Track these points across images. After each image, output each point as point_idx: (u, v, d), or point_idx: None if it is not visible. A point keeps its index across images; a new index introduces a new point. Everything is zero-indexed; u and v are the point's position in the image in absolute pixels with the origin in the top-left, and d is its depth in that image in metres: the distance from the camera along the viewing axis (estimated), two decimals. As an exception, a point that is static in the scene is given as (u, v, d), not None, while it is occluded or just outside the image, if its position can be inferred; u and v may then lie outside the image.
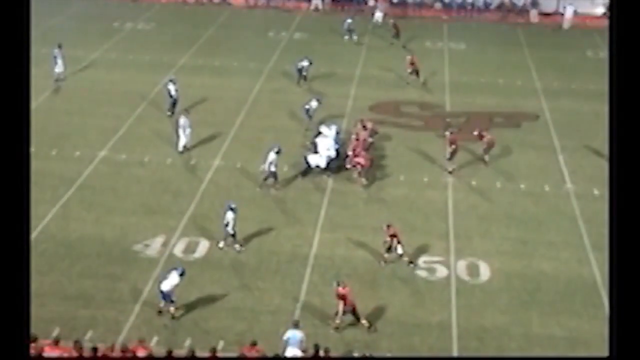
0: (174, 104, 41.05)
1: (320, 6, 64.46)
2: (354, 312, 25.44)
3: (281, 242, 30.25)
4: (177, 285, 25.49)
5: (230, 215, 29.25)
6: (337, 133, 36.47)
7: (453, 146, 35.64)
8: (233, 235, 29.47)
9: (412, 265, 28.58)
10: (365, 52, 53.01)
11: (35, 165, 34.37)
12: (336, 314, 25.32)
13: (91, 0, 63.83)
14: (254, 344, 22.94)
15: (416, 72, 47.13)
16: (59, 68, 44.95)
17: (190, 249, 29.64)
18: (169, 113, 40.91)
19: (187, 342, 24.10)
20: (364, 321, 25.53)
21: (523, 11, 63.97)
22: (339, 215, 32.33)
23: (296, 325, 23.86)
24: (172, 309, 25.60)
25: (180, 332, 24.82)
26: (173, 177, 34.84)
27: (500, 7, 64.42)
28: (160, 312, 25.51)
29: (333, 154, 35.26)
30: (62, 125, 39.59)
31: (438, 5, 65.42)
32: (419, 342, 24.99)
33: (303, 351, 23.27)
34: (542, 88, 47.46)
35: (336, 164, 35.51)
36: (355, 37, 55.41)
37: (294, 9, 64.08)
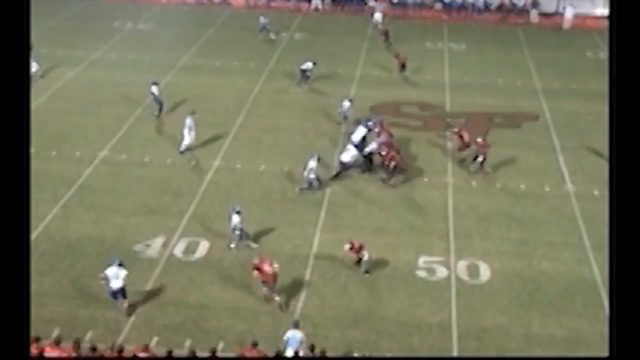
0: (160, 106, 41.17)
1: (320, 6, 64.46)
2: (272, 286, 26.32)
3: (281, 242, 30.24)
4: (127, 277, 25.61)
5: (236, 219, 29.26)
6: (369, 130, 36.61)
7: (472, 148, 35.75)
8: (241, 237, 29.54)
9: (367, 275, 28.22)
10: (365, 53, 52.97)
11: (35, 165, 34.58)
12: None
13: (91, 1, 63.90)
14: (254, 344, 22.94)
15: (403, 66, 48.27)
16: (33, 68, 44.75)
17: (190, 249, 29.62)
18: (156, 114, 41.13)
19: (187, 343, 24.11)
20: (277, 298, 26.30)
21: (523, 12, 63.97)
22: (339, 216, 32.32)
23: (296, 326, 23.85)
24: (125, 304, 25.69)
25: (181, 333, 24.81)
26: (173, 178, 34.83)
27: (500, 7, 64.42)
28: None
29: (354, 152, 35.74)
30: (62, 126, 39.59)
31: (438, 5, 65.41)
32: (419, 342, 24.99)
33: (301, 351, 23.29)
34: (542, 88, 47.46)
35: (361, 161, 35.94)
36: (273, 36, 55.15)
37: (295, 9, 64.09)
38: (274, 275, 26.31)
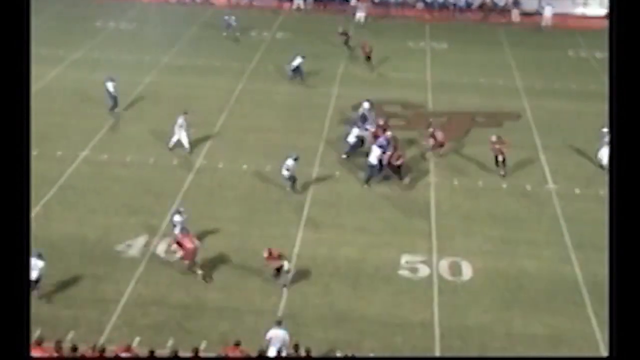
0: (115, 102, 41.14)
1: (302, 6, 64.44)
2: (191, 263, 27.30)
3: (264, 242, 30.04)
4: (44, 268, 25.74)
5: (177, 218, 29.37)
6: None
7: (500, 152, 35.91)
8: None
9: (284, 288, 27.62)
10: (348, 52, 52.94)
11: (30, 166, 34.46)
12: None
13: (73, 0, 63.66)
14: (237, 344, 22.86)
15: (368, 58, 49.12)
16: None
17: (172, 248, 29.52)
18: (111, 111, 41.05)
19: (170, 342, 24.04)
20: (199, 272, 27.31)
21: (504, 11, 64.16)
22: (321, 215, 32.31)
23: (279, 324, 23.82)
24: (36, 292, 25.65)
25: (163, 332, 24.72)
26: (155, 177, 34.74)
27: (481, 7, 64.61)
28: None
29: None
30: (43, 125, 39.27)
31: (420, 5, 65.53)
32: (402, 341, 25.01)
33: (284, 349, 23.30)
34: (523, 87, 47.61)
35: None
36: (237, 34, 55.07)
37: (277, 9, 64.04)
38: (195, 250, 27.06)
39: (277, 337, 23.40)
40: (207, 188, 34.09)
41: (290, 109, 43.03)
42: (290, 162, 33.48)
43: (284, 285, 27.43)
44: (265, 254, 27.33)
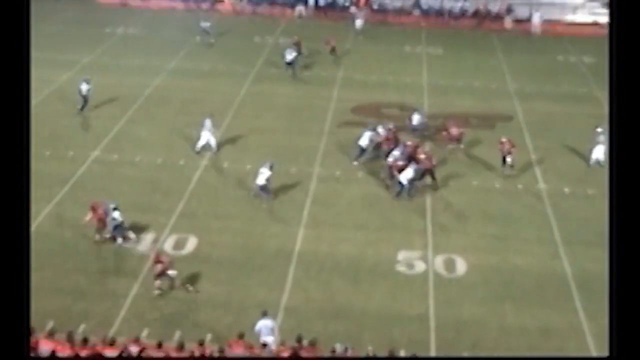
0: (84, 102, 41.20)
1: (303, 13, 64.40)
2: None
3: (267, 239, 30.22)
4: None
5: (116, 214, 29.55)
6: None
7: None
8: (116, 228, 29.72)
9: (157, 292, 26.77)
10: (348, 57, 52.96)
11: (33, 166, 34.44)
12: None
13: (84, 6, 63.68)
14: (240, 336, 22.89)
15: (332, 50, 50.47)
16: None
17: (179, 245, 29.57)
18: (81, 111, 41.15)
19: (177, 335, 24.05)
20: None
21: (497, 18, 64.08)
22: (321, 214, 32.31)
23: (265, 315, 23.85)
24: None
25: (171, 325, 24.75)
26: (163, 177, 34.74)
27: (475, 14, 64.50)
28: None
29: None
30: (56, 127, 39.43)
31: (416, 12, 65.44)
32: (399, 333, 25.02)
33: (272, 337, 23.46)
34: (515, 91, 47.60)
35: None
36: (212, 40, 54.74)
37: (279, 16, 63.99)
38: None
39: (266, 327, 23.45)
40: (212, 187, 34.09)
41: (292, 111, 43.03)
42: (266, 170, 32.88)
43: (160, 289, 26.64)
44: (153, 258, 27.11)
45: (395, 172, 33.88)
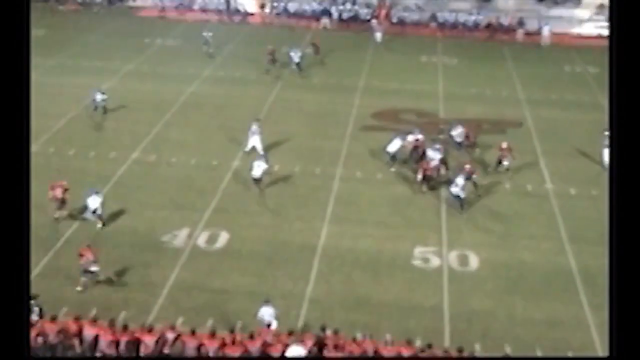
0: (103, 110, 41.09)
1: (328, 25, 64.42)
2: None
3: (292, 235, 30.30)
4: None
5: (96, 200, 30.23)
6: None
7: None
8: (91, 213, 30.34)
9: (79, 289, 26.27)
10: (368, 66, 52.95)
11: (75, 164, 34.99)
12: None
13: (126, 19, 63.96)
14: (268, 325, 23.01)
15: (272, 61, 50.12)
16: None
17: (212, 240, 29.70)
18: (94, 111, 41.04)
19: (209, 322, 24.13)
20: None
21: (509, 30, 63.77)
22: (343, 211, 32.34)
23: (267, 302, 24.02)
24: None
25: (204, 314, 24.83)
26: (197, 176, 34.87)
27: (488, 26, 64.24)
28: None
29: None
30: (100, 130, 39.69)
31: (433, 24, 65.29)
32: (415, 323, 25.02)
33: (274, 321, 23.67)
34: (525, 98, 47.39)
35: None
36: (211, 50, 54.31)
37: (305, 27, 63.98)
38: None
39: (267, 313, 23.63)
40: (243, 186, 34.17)
41: (317, 116, 43.06)
42: (263, 163, 33.31)
43: (84, 285, 26.21)
44: (81, 252, 26.56)
45: (429, 174, 34.13)
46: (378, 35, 59.06)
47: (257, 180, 33.19)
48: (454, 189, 32.52)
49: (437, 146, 36.00)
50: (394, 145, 36.08)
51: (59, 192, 30.75)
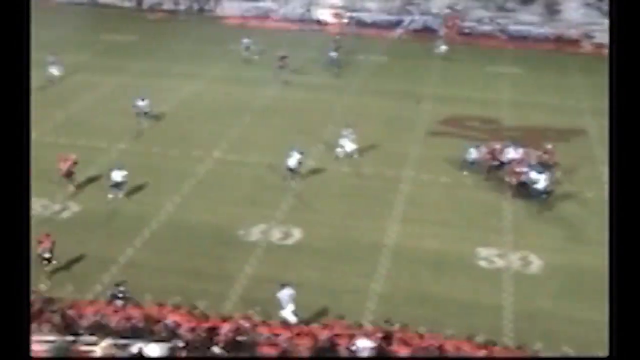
0: (143, 115, 40.33)
1: (400, 35, 64.12)
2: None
3: (361, 233, 30.25)
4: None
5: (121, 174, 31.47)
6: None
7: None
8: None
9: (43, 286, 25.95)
10: (438, 74, 52.56)
11: (160, 162, 35.44)
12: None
13: (211, 27, 64.39)
14: (340, 317, 23.07)
15: (281, 67, 49.59)
16: (55, 72, 46.14)
17: (285, 235, 29.84)
18: (139, 118, 40.22)
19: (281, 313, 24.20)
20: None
21: (575, 42, 62.57)
22: (411, 212, 32.17)
23: (284, 285, 24.11)
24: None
25: (275, 305, 24.75)
26: (273, 176, 35.02)
27: (554, 38, 63.17)
28: None
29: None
30: (183, 130, 40.14)
31: (501, 36, 64.46)
32: (478, 321, 24.71)
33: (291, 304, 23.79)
34: (588, 108, 46.46)
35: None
36: (255, 57, 53.88)
37: (379, 36, 63.71)
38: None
39: (288, 295, 23.79)
40: (315, 186, 34.26)
41: (387, 121, 42.83)
42: (296, 154, 33.99)
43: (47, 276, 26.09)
44: (41, 239, 26.32)
45: (514, 178, 33.87)
46: (443, 49, 57.92)
47: (292, 170, 33.93)
48: (537, 183, 32.54)
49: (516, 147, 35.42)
50: (471, 154, 35.69)
51: (66, 165, 31.86)
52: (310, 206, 32.23)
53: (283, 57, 50.23)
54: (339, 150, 37.08)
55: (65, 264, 27.03)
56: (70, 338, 21.96)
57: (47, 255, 26.23)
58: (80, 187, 32.87)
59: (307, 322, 23.03)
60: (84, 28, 61.58)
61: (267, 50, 54.49)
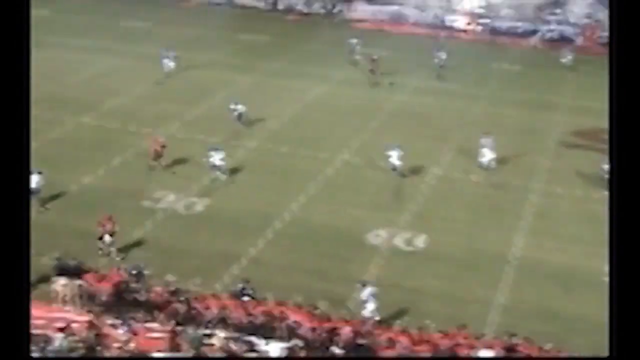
0: (239, 119, 39.93)
1: (537, 44, 62.70)
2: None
3: (487, 243, 29.74)
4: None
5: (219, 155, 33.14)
6: None
7: None
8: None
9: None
10: (572, 85, 51.10)
11: (287, 163, 35.90)
12: None
13: (339, 30, 64.13)
14: (462, 326, 22.65)
15: (372, 71, 48.97)
16: (167, 68, 47.13)
17: (410, 241, 29.65)
18: (237, 121, 39.88)
19: (404, 320, 23.95)
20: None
21: None
22: (540, 224, 31.43)
23: (364, 284, 24.15)
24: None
25: (398, 311, 24.63)
26: (400, 180, 34.85)
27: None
28: None
29: None
30: (314, 131, 40.40)
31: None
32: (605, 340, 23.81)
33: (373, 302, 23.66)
34: None
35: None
36: (356, 57, 52.64)
37: (513, 44, 62.48)
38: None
39: (369, 294, 23.71)
40: (441, 194, 33.92)
41: (518, 130, 41.96)
42: (396, 152, 34.74)
43: (100, 249, 27.01)
44: (103, 220, 27.16)
45: None
46: (569, 57, 55.86)
47: (395, 168, 34.63)
48: None
49: None
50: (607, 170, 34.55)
51: (155, 145, 34.03)
52: (437, 213, 31.94)
53: (374, 60, 49.91)
54: (482, 160, 36.30)
55: (193, 257, 27.72)
56: (204, 330, 22.45)
57: (107, 237, 27.09)
58: (211, 182, 33.70)
59: (426, 330, 22.72)
60: (221, 27, 63.02)
61: (398, 55, 54.28)
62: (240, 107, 40.13)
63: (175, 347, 21.72)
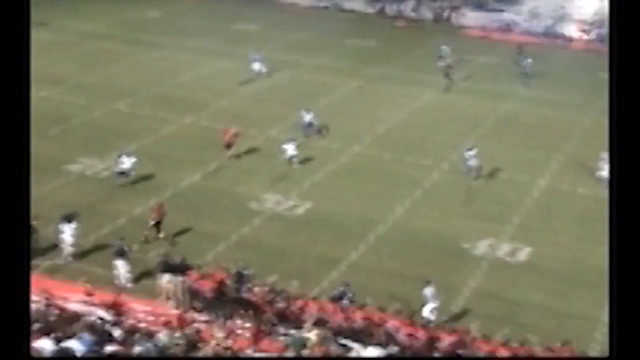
0: (310, 126, 39.20)
1: None
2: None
3: (597, 258, 28.38)
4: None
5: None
6: None
7: None
8: None
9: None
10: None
11: (391, 168, 35.80)
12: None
13: (451, 37, 63.50)
14: (565, 343, 22.01)
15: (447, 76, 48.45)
16: (257, 68, 47.89)
17: (513, 252, 29.13)
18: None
19: (503, 332, 23.43)
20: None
21: None
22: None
23: (428, 282, 24.10)
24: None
25: (498, 323, 24.04)
26: (505, 191, 34.32)
27: None
28: None
29: None
30: (417, 139, 40.10)
31: None
32: None
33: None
34: None
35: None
36: (443, 64, 51.13)
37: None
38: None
39: (430, 294, 23.90)
40: (547, 206, 33.21)
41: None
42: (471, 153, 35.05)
43: (144, 236, 28.05)
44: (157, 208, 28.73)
45: None
46: None
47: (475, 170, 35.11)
48: None
49: None
50: None
51: (227, 136, 35.31)
52: (542, 225, 31.27)
53: (449, 66, 49.41)
54: (601, 173, 35.05)
55: (292, 259, 27.91)
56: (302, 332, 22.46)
57: (152, 222, 28.32)
58: (313, 185, 33.93)
59: (529, 344, 22.17)
60: (329, 32, 63.31)
61: (505, 63, 53.42)
62: (309, 116, 39.37)
63: (271, 348, 21.83)
